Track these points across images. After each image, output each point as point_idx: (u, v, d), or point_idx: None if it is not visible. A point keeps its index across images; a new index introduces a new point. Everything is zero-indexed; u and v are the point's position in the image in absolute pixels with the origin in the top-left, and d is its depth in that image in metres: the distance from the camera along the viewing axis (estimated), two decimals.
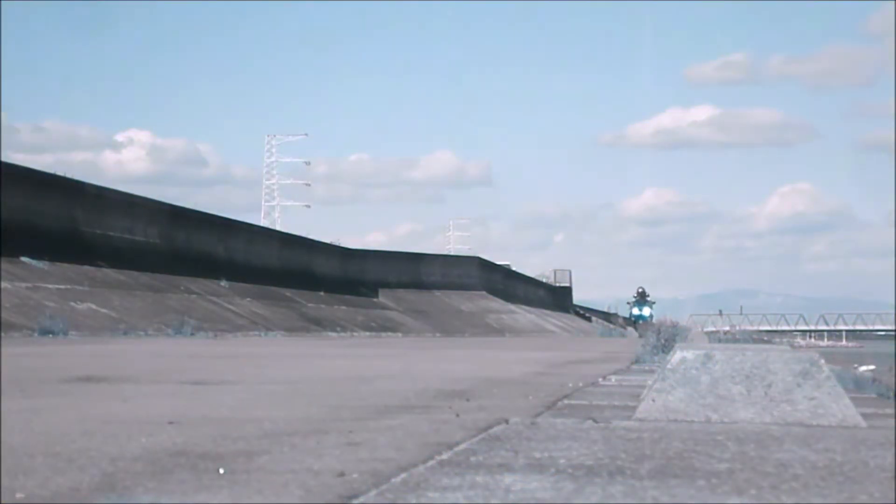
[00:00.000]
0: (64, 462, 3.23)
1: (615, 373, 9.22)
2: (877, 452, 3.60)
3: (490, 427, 4.24)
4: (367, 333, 30.63)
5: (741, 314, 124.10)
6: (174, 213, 30.09)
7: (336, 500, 2.70)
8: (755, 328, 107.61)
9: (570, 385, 7.29)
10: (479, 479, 2.98)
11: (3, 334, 14.72)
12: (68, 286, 20.97)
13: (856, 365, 18.17)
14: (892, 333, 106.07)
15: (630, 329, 47.59)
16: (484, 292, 54.45)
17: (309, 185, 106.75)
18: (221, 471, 3.10)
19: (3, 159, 23.15)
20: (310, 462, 3.30)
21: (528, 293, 66.97)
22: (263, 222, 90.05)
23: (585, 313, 79.39)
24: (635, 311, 40.24)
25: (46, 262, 21.78)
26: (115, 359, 10.17)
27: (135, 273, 25.15)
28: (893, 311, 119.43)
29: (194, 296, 26.18)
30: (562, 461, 3.30)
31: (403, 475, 3.04)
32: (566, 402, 5.95)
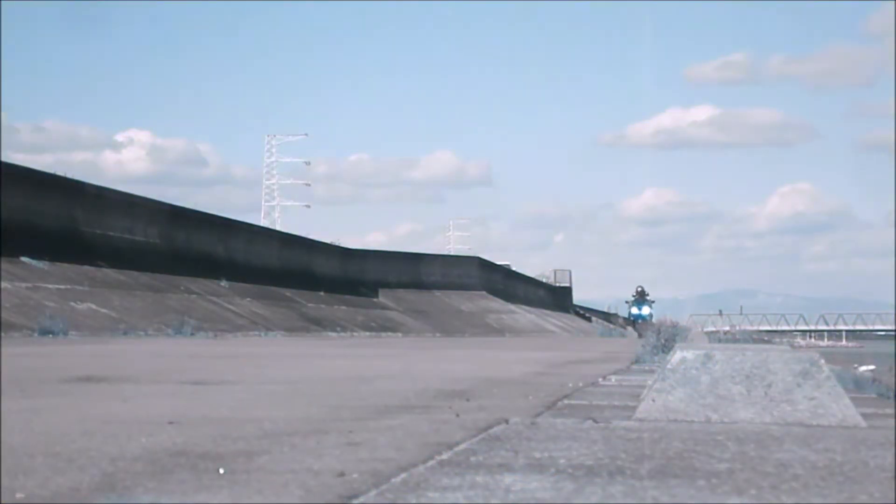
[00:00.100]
0: (64, 462, 3.23)
1: (615, 373, 9.22)
2: (877, 452, 3.60)
3: (490, 427, 4.24)
4: (367, 333, 30.63)
5: (741, 314, 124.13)
6: (174, 213, 30.10)
7: (336, 500, 2.70)
8: (755, 328, 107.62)
9: (570, 385, 7.29)
10: (479, 479, 2.98)
11: (3, 334, 14.72)
12: (68, 286, 20.97)
13: (856, 365, 18.17)
14: (892, 333, 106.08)
15: (630, 329, 47.19)
16: (484, 292, 54.45)
17: (309, 185, 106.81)
18: (221, 471, 3.10)
19: (3, 159, 23.17)
20: (310, 462, 3.30)
21: (528, 293, 66.98)
22: (263, 222, 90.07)
23: (585, 313, 79.39)
24: (634, 310, 39.38)
25: (46, 262, 21.78)
26: (115, 359, 10.17)
27: (135, 273, 25.15)
28: (893, 311, 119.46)
29: (194, 296, 26.19)
30: (562, 461, 3.30)
31: (403, 475, 3.04)
32: (566, 402, 5.95)
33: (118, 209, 26.90)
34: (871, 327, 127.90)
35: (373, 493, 2.78)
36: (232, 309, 26.64)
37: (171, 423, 4.30)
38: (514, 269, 71.39)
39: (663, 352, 11.31)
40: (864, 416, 4.70)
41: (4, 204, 21.65)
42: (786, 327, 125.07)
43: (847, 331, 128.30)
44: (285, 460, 3.34)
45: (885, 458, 3.46)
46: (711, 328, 79.62)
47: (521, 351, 15.74)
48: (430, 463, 3.28)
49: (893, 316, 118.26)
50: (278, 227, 70.19)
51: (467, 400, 5.77)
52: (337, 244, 46.56)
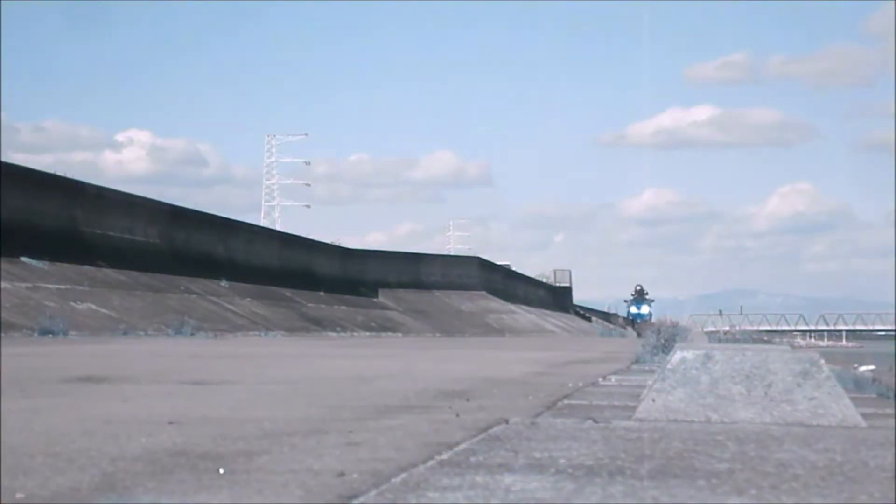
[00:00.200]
0: (64, 462, 3.23)
1: (615, 373, 9.22)
2: (877, 452, 3.60)
3: (490, 427, 4.24)
4: (367, 333, 30.63)
5: (741, 314, 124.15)
6: (174, 213, 30.09)
7: (336, 500, 2.70)
8: (755, 328, 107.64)
9: (570, 385, 7.29)
10: (479, 479, 2.98)
11: (3, 334, 14.72)
12: (68, 286, 20.97)
13: (856, 365, 18.17)
14: (892, 333, 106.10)
15: (629, 329, 46.53)
16: (484, 292, 54.44)
17: (309, 185, 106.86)
18: (221, 471, 3.10)
19: (3, 159, 23.16)
20: (310, 462, 3.30)
21: (528, 293, 66.97)
22: (263, 222, 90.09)
23: (585, 313, 79.38)
24: (633, 309, 38.41)
25: (46, 262, 21.78)
26: (115, 359, 10.17)
27: (135, 273, 25.15)
28: (893, 311, 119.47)
29: (194, 296, 26.19)
30: (562, 461, 3.30)
31: (403, 475, 3.04)
32: (566, 402, 5.95)
33: (118, 209, 26.89)
34: (871, 327, 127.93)
35: (373, 493, 2.78)
36: (232, 309, 26.64)
37: (171, 423, 4.30)
38: (514, 269, 71.37)
39: (663, 352, 11.31)
40: (864, 416, 4.70)
41: (4, 204, 21.65)
42: (786, 327, 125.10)
43: (847, 331, 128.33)
44: (285, 460, 3.34)
45: (885, 458, 3.46)
46: (711, 328, 79.62)
47: (521, 351, 15.74)
48: (430, 463, 3.28)
49: (893, 316, 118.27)
50: (278, 227, 70.20)
51: (467, 400, 5.77)
52: (337, 244, 46.56)
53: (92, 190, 26.20)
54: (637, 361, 11.61)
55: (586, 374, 8.71)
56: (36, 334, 15.54)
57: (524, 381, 7.74)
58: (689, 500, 2.72)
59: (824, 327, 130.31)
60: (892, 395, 8.38)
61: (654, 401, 4.64)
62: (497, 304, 53.89)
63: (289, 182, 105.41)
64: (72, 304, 19.63)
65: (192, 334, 19.36)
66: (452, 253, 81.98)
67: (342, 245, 47.09)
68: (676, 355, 4.76)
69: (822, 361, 4.69)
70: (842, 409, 4.54)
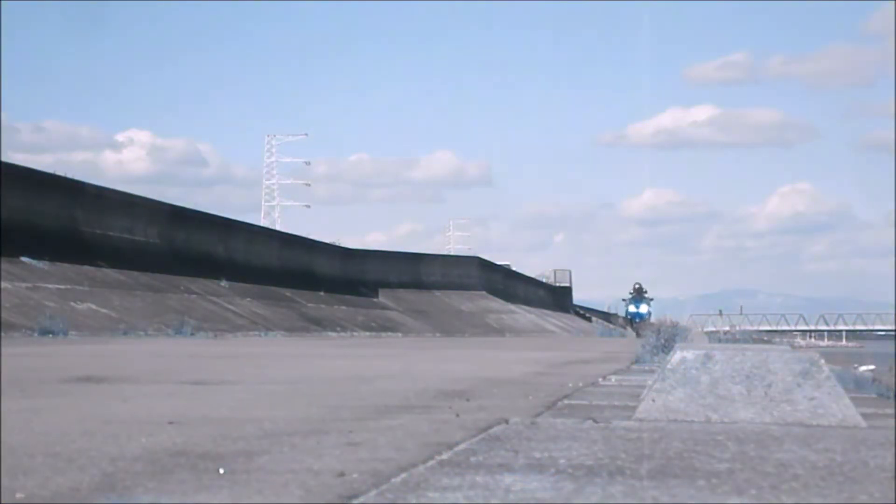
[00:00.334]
0: (64, 462, 3.23)
1: (615, 373, 9.22)
2: (877, 452, 3.60)
3: (490, 427, 4.24)
4: (367, 333, 30.63)
5: (741, 314, 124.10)
6: (174, 213, 30.09)
7: (336, 500, 2.70)
8: (755, 328, 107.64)
9: (570, 385, 7.29)
10: (479, 479, 2.98)
11: (3, 334, 14.72)
12: (68, 286, 20.97)
13: (856, 365, 18.17)
14: (892, 333, 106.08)
15: (629, 329, 45.91)
16: (484, 292, 54.43)
17: (309, 185, 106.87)
18: (221, 471, 3.10)
19: (3, 159, 23.16)
20: (310, 462, 3.30)
21: (528, 293, 66.97)
22: (263, 222, 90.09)
23: (585, 313, 79.37)
24: (632, 308, 37.10)
25: (46, 262, 21.78)
26: (115, 359, 10.17)
27: (135, 273, 25.15)
28: (893, 311, 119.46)
29: (194, 296, 26.19)
30: (562, 461, 3.30)
31: (403, 475, 3.04)
32: (566, 402, 5.95)
33: (118, 209, 26.89)
34: (871, 327, 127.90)
35: (373, 493, 2.78)
36: (232, 309, 26.64)
37: (171, 423, 4.30)
38: (514, 269, 71.36)
39: (663, 352, 11.31)
40: (864, 416, 4.70)
41: (4, 204, 21.65)
42: (786, 327, 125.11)
43: (847, 331, 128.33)
44: (285, 460, 3.34)
45: (885, 458, 3.46)
46: (711, 328, 79.61)
47: (521, 351, 15.74)
48: (430, 463, 3.28)
49: (893, 316, 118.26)
50: (278, 227, 70.19)
51: (467, 400, 5.77)
52: (337, 244, 46.56)
53: (92, 190, 26.20)
54: (637, 361, 11.61)
55: (586, 374, 8.71)
56: (36, 334, 15.53)
57: (524, 381, 7.74)
58: (689, 500, 2.72)
59: (824, 327, 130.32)
60: (892, 395, 8.38)
61: (654, 401, 4.64)
62: (497, 304, 53.89)
63: (289, 182, 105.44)
64: (72, 304, 19.63)
65: (192, 334, 19.36)
66: (452, 253, 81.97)
67: (342, 245, 47.10)
68: (676, 355, 4.76)
69: (822, 361, 4.69)
70: (842, 409, 4.54)
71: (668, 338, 12.84)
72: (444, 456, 3.43)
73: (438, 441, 3.82)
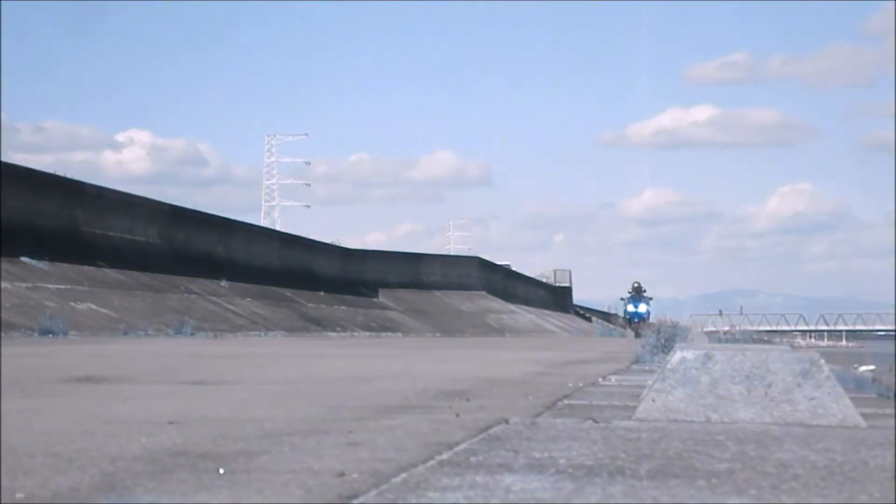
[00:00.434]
0: (64, 462, 3.22)
1: (615, 373, 9.23)
2: (877, 452, 3.60)
3: (490, 427, 4.24)
4: (367, 333, 30.63)
5: (741, 314, 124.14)
6: (174, 213, 30.09)
7: (336, 500, 2.70)
8: (755, 328, 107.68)
9: (570, 385, 7.29)
10: (479, 479, 2.98)
11: (3, 334, 14.72)
12: (68, 286, 20.97)
13: (856, 365, 18.17)
14: (892, 333, 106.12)
15: (628, 329, 45.17)
16: (484, 292, 54.43)
17: (309, 185, 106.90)
18: (221, 471, 3.10)
19: (3, 159, 23.16)
20: (310, 462, 3.30)
21: (528, 293, 66.97)
22: (263, 222, 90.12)
23: (585, 313, 79.38)
24: (630, 308, 35.69)
25: (46, 262, 21.78)
26: (115, 359, 10.17)
27: (135, 273, 25.15)
28: (893, 311, 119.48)
29: (194, 296, 26.18)
30: (562, 461, 3.30)
31: (403, 475, 3.04)
32: (566, 402, 5.95)
33: (118, 209, 26.89)
34: (871, 327, 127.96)
35: (373, 493, 2.78)
36: (232, 309, 26.63)
37: (171, 423, 4.30)
38: (514, 269, 71.36)
39: (663, 352, 11.32)
40: (864, 416, 4.70)
41: (4, 204, 21.65)
42: (786, 327, 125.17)
43: (847, 331, 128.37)
44: (285, 460, 3.34)
45: (885, 458, 3.46)
46: (711, 328, 79.63)
47: (521, 351, 15.74)
48: (430, 463, 3.28)
49: (893, 316, 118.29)
50: (278, 227, 70.21)
51: (467, 400, 5.77)
52: (337, 244, 46.56)
53: (92, 190, 26.20)
54: (637, 361, 11.61)
55: (586, 374, 8.71)
56: (36, 334, 15.53)
57: (524, 381, 7.74)
58: (689, 500, 2.72)
59: (824, 327, 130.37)
60: (892, 395, 8.38)
61: (654, 401, 4.64)
62: (497, 304, 53.89)
63: (289, 182, 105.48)
64: (72, 304, 19.63)
65: (192, 334, 19.36)
66: (452, 253, 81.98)
67: (342, 245, 47.10)
68: (676, 355, 4.76)
69: (822, 361, 4.69)
70: (842, 409, 4.54)
71: (668, 338, 12.85)
72: (444, 456, 3.43)
73: (438, 441, 3.82)
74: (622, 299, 36.76)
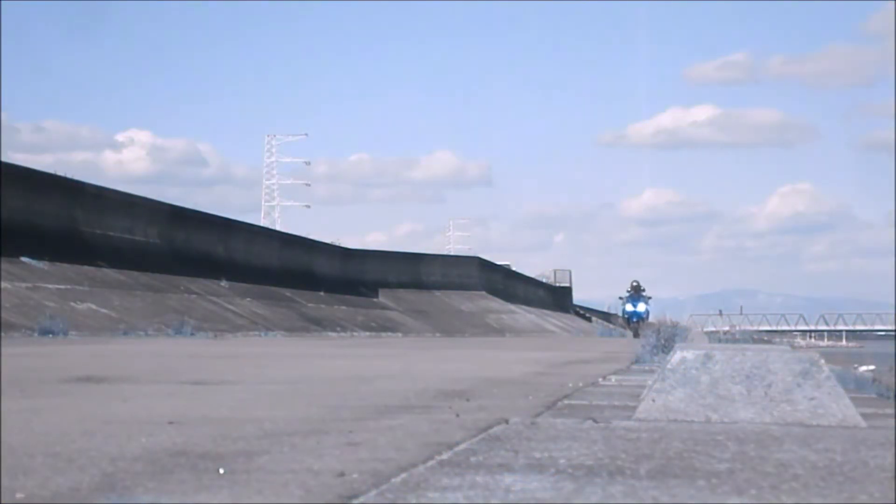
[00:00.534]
0: (64, 462, 3.22)
1: (615, 373, 9.22)
2: (877, 452, 3.60)
3: (490, 427, 4.24)
4: (367, 333, 30.62)
5: (741, 314, 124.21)
6: (174, 213, 30.09)
7: (336, 500, 2.70)
8: (755, 328, 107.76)
9: (570, 385, 7.29)
10: (479, 479, 2.98)
11: (3, 334, 14.72)
12: (68, 286, 20.97)
13: (856, 365, 18.19)
14: (892, 333, 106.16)
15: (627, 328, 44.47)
16: (484, 292, 54.43)
17: (309, 185, 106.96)
18: (221, 471, 3.10)
19: (3, 159, 23.16)
20: (310, 462, 3.30)
21: (528, 293, 66.96)
22: (263, 222, 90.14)
23: (585, 313, 79.38)
24: (629, 307, 34.69)
25: (46, 262, 21.78)
26: (115, 359, 10.17)
27: (135, 273, 25.15)
28: (893, 311, 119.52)
29: (194, 296, 26.18)
30: (562, 461, 3.30)
31: (403, 475, 3.04)
32: (566, 402, 5.95)
33: (118, 209, 26.89)
34: (871, 327, 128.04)
35: (373, 493, 2.77)
36: (232, 309, 26.63)
37: (171, 423, 4.30)
38: (514, 269, 71.36)
39: (663, 352, 11.31)
40: (864, 416, 4.70)
41: (4, 204, 21.65)
42: (786, 327, 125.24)
43: (847, 331, 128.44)
44: (285, 460, 3.34)
45: (885, 458, 3.46)
46: (711, 328, 79.68)
47: (521, 351, 15.74)
48: (430, 463, 3.28)
49: (893, 316, 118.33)
50: (278, 227, 70.20)
51: (467, 400, 5.76)
52: (337, 244, 46.56)
53: (92, 190, 26.20)
54: (637, 361, 11.61)
55: (586, 374, 8.71)
56: (36, 334, 15.53)
57: (524, 381, 7.74)
58: (689, 500, 2.72)
59: (824, 327, 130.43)
60: (892, 395, 8.38)
61: (654, 401, 4.64)
62: (497, 304, 53.89)
63: (289, 182, 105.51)
64: (72, 304, 19.63)
65: (192, 334, 19.36)
66: (452, 253, 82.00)
67: (342, 245, 47.10)
68: (676, 355, 4.76)
69: (822, 361, 4.69)
70: (842, 409, 4.54)
71: (668, 338, 12.85)
72: (444, 456, 3.43)
73: (438, 441, 3.82)
74: (620, 298, 35.98)
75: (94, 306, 20.23)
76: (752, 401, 4.57)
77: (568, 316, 71.37)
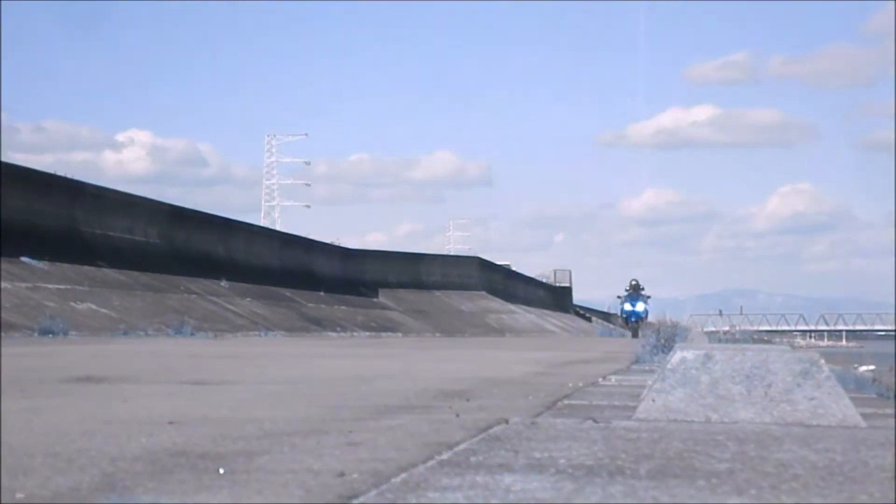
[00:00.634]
0: (64, 462, 3.22)
1: (615, 373, 9.22)
2: (877, 452, 3.60)
3: (490, 427, 4.24)
4: (367, 333, 30.62)
5: (741, 314, 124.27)
6: (174, 213, 30.09)
7: (336, 500, 2.70)
8: (755, 328, 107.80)
9: (570, 385, 7.29)
10: (479, 479, 2.98)
11: (3, 334, 14.72)
12: (68, 286, 20.97)
13: (856, 365, 18.19)
14: (892, 333, 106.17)
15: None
16: (484, 292, 54.43)
17: (309, 185, 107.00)
18: (221, 471, 3.10)
19: (3, 159, 23.16)
20: (310, 462, 3.30)
21: (528, 293, 66.96)
22: (263, 222, 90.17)
23: (585, 313, 79.38)
24: (627, 306, 33.99)
25: (46, 262, 21.78)
26: (115, 359, 10.17)
27: (135, 273, 25.15)
28: (893, 311, 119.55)
29: (194, 296, 26.18)
30: (562, 461, 3.30)
31: (403, 475, 3.04)
32: (566, 402, 5.95)
33: (118, 209, 26.89)
34: (871, 327, 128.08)
35: (373, 493, 2.78)
36: (232, 309, 26.63)
37: (171, 423, 4.30)
38: (514, 269, 71.36)
39: (663, 352, 11.31)
40: (864, 416, 4.70)
41: (4, 204, 21.65)
42: (786, 327, 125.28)
43: (847, 331, 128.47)
44: (285, 460, 3.34)
45: (885, 458, 3.46)
46: (711, 328, 79.70)
47: (521, 351, 15.74)
48: (430, 463, 3.28)
49: (893, 316, 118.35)
50: (278, 227, 70.20)
51: (467, 400, 5.76)
52: (337, 244, 46.57)
53: (92, 190, 26.19)
54: (637, 361, 11.61)
55: (586, 374, 8.71)
56: (36, 334, 15.53)
57: (524, 381, 7.74)
58: (689, 500, 2.72)
59: (824, 327, 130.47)
60: (892, 395, 8.38)
61: (654, 401, 4.64)
62: (497, 304, 53.89)
63: (289, 182, 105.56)
64: (72, 304, 19.63)
65: (192, 334, 19.36)
66: (452, 253, 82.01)
67: (342, 245, 47.11)
68: (676, 355, 4.76)
69: (822, 361, 4.69)
70: (842, 409, 4.54)
71: (668, 338, 12.85)
72: (444, 456, 3.43)
73: (438, 441, 3.82)
74: (619, 297, 35.32)
75: (94, 306, 20.23)
76: (752, 401, 4.57)
77: (568, 316, 71.37)
